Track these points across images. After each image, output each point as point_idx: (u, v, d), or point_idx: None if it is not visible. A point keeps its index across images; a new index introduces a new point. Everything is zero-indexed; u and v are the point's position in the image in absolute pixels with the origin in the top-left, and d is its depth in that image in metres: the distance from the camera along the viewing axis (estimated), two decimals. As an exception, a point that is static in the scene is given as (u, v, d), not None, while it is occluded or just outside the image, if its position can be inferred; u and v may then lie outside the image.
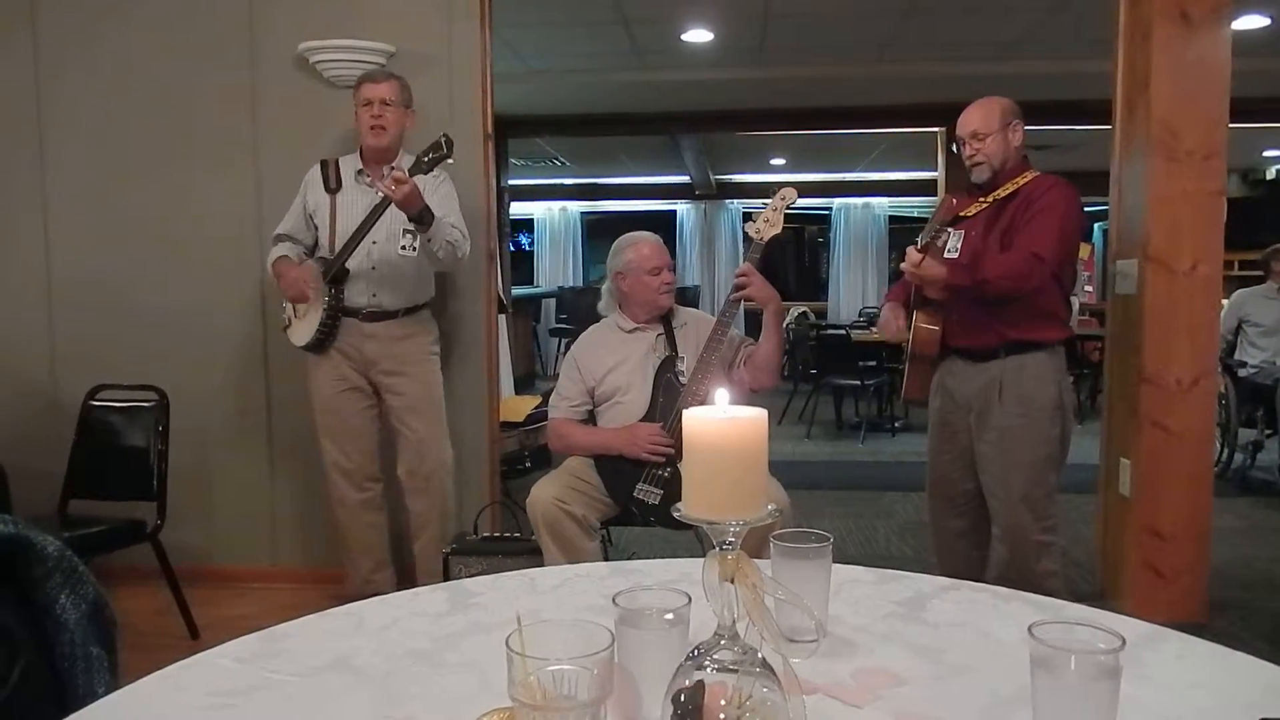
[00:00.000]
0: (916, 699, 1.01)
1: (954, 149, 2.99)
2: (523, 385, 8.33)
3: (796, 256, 13.39)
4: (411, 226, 2.99)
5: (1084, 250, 10.30)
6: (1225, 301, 5.26)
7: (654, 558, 1.63)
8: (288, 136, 3.59)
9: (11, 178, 3.71)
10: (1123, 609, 2.38)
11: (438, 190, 3.11)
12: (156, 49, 3.63)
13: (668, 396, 2.78)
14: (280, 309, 3.32)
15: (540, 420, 4.49)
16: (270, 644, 1.15)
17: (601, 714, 0.78)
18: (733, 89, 6.81)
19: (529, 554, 2.89)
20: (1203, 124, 3.22)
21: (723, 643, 0.85)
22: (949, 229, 2.83)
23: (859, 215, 12.19)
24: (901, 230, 11.85)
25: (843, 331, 7.81)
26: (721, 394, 0.86)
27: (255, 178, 3.63)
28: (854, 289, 12.12)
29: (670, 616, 0.95)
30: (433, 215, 2.95)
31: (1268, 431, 5.48)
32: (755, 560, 0.88)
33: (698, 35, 5.59)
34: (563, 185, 12.36)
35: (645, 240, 2.94)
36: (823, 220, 12.44)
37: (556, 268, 12.58)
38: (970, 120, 2.79)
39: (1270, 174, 10.76)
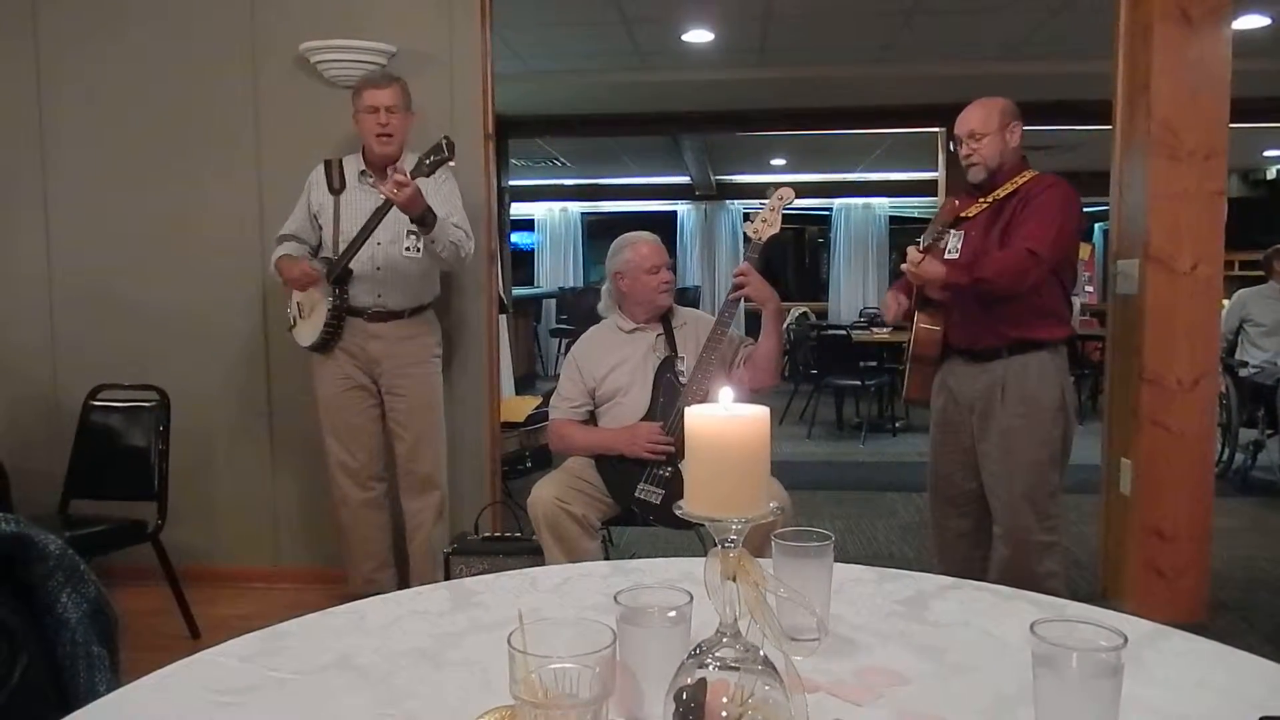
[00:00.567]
0: (918, 697, 1.01)
1: (952, 148, 2.99)
2: (523, 385, 8.34)
3: (797, 257, 13.39)
4: (415, 228, 2.99)
5: (1084, 250, 10.30)
6: (1226, 302, 5.25)
7: (655, 557, 1.63)
8: (289, 136, 3.59)
9: (13, 178, 3.71)
10: (1124, 609, 2.38)
11: (440, 189, 3.11)
12: (157, 50, 3.63)
13: (668, 396, 2.78)
14: (285, 309, 3.31)
15: (541, 420, 4.50)
16: (272, 642, 1.15)
17: (603, 712, 0.78)
18: (733, 89, 6.80)
19: (530, 554, 2.90)
20: (1203, 124, 3.22)
21: (724, 641, 0.85)
22: (950, 230, 2.83)
23: (859, 216, 12.18)
24: (902, 230, 11.85)
25: (843, 332, 7.79)
26: (725, 392, 0.85)
27: (256, 177, 3.63)
28: (854, 289, 12.10)
29: (672, 614, 0.95)
30: (435, 217, 2.95)
31: (1268, 431, 5.47)
32: (757, 559, 0.88)
33: (698, 35, 5.59)
34: (563, 186, 12.36)
35: (643, 240, 2.94)
36: (823, 221, 12.43)
37: (557, 268, 12.58)
38: (969, 120, 2.79)
39: (1270, 174, 10.75)
